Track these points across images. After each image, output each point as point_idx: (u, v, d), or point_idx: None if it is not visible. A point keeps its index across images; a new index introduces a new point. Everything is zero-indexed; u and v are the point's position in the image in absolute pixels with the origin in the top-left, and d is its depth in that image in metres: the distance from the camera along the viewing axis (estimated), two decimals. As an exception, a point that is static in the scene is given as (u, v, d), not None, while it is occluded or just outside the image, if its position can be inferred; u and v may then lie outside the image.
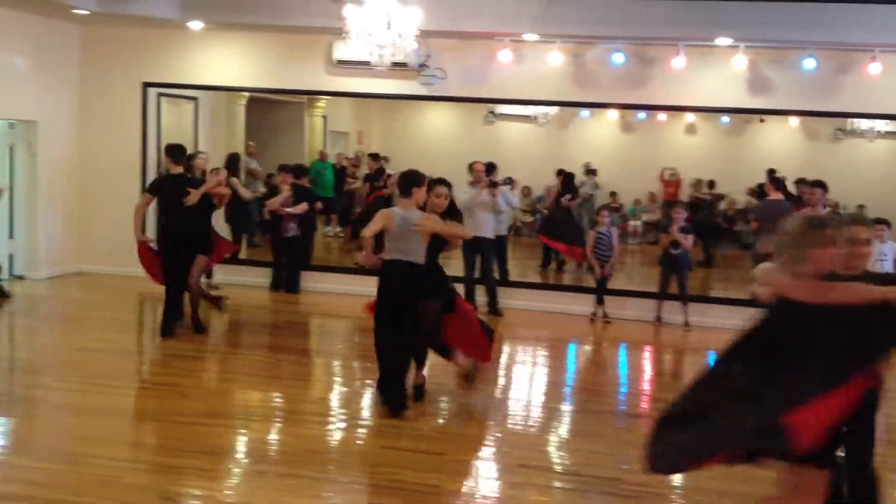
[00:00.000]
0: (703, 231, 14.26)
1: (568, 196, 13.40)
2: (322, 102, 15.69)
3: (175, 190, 9.10)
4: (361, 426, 6.89)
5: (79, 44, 12.58)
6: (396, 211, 7.00)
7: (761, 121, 15.43)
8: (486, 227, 11.10)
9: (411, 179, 7.04)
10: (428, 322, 7.05)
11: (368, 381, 8.37)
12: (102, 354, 8.65)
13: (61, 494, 5.24)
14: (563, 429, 7.18)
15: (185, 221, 9.12)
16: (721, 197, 15.74)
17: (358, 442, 6.51)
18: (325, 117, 16.29)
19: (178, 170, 9.22)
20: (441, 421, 7.14)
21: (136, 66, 12.48)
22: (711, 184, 15.56)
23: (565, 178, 13.68)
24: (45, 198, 11.99)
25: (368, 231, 6.92)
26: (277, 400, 7.43)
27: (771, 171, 11.94)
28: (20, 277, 11.81)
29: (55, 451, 6.09)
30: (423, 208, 7.09)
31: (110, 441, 6.24)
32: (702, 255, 14.36)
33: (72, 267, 12.57)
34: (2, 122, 11.52)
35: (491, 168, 11.56)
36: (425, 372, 7.52)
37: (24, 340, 9.42)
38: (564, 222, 12.99)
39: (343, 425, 6.86)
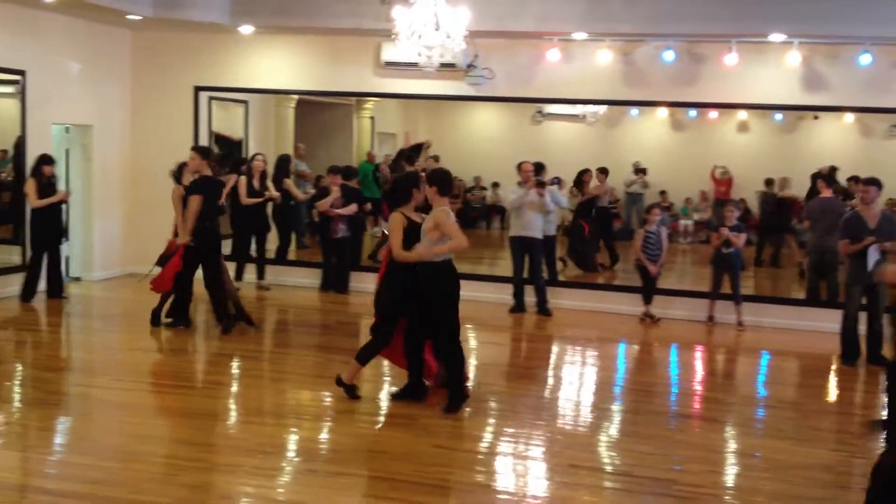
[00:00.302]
0: (770, 230, 14.05)
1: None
2: (370, 104, 15.78)
3: (214, 191, 9.33)
4: (411, 425, 6.90)
5: (132, 49, 12.80)
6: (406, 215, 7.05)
7: (815, 118, 15.20)
8: (534, 226, 11.07)
9: (409, 183, 7.18)
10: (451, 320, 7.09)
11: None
12: (156, 354, 8.80)
13: (119, 492, 5.33)
14: (613, 429, 7.12)
15: (214, 222, 9.35)
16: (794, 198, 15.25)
17: (407, 441, 6.52)
18: (372, 118, 16.39)
19: (209, 171, 9.35)
20: (491, 420, 7.13)
21: (187, 70, 12.67)
22: (770, 182, 15.23)
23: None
24: (99, 201, 12.22)
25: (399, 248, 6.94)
26: (328, 399, 7.47)
27: (816, 174, 11.77)
28: (76, 279, 12.04)
29: (112, 449, 6.20)
30: (423, 209, 7.09)
31: (165, 440, 6.34)
32: (769, 257, 14.11)
33: (125, 268, 12.79)
34: (58, 126, 11.75)
35: (540, 168, 11.53)
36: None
37: (81, 341, 9.60)
38: None
39: (392, 424, 6.89)
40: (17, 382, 7.77)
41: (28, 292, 10.60)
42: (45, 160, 10.58)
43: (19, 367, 8.26)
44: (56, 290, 10.81)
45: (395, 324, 7.18)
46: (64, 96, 11.62)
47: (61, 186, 11.10)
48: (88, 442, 6.37)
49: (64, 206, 11.10)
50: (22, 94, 10.94)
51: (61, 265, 11.05)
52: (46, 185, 10.57)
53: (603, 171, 13.58)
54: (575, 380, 8.88)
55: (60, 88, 11.53)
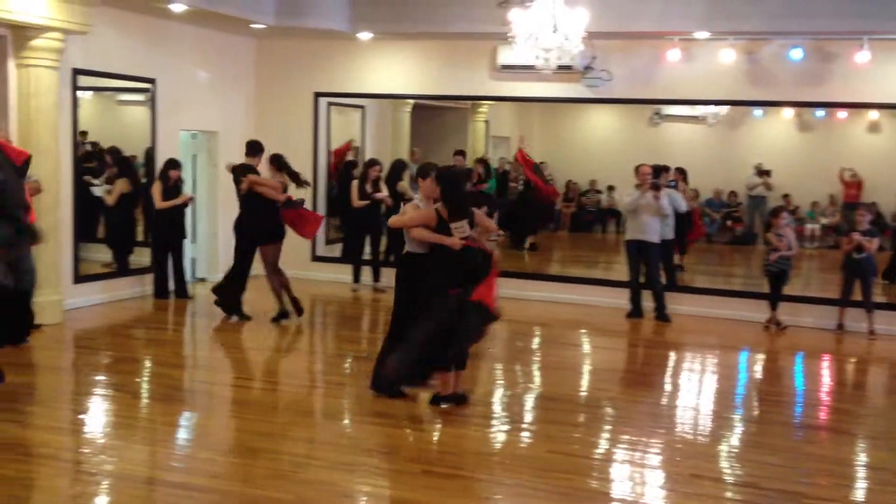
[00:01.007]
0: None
1: None
2: (484, 107, 15.79)
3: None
4: (525, 430, 6.85)
5: (255, 57, 13.18)
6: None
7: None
8: (650, 230, 10.85)
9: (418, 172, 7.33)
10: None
11: (531, 385, 8.36)
12: (276, 354, 9.00)
13: (241, 487, 5.46)
14: (735, 439, 6.89)
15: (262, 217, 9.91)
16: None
17: (522, 445, 6.47)
18: (487, 122, 16.38)
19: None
20: (607, 427, 7.01)
21: (307, 77, 12.95)
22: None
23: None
24: (223, 204, 12.58)
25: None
26: (442, 402, 7.47)
27: None
28: (202, 280, 12.44)
29: (235, 445, 6.38)
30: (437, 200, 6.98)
31: (286, 437, 6.46)
32: None
33: (248, 270, 13.15)
34: (186, 132, 12.19)
35: (661, 171, 11.29)
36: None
37: (205, 339, 9.91)
38: None
39: (507, 428, 6.84)
40: (145, 378, 8.08)
41: (160, 291, 11.11)
42: (172, 164, 11.02)
43: (147, 364, 8.58)
44: (181, 290, 11.23)
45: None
46: (191, 103, 12.05)
47: (187, 190, 11.51)
48: (211, 437, 6.56)
49: (188, 209, 11.50)
50: (152, 102, 11.40)
51: (185, 266, 11.46)
52: (172, 189, 10.99)
53: (680, 172, 13.17)
54: (694, 387, 8.64)
55: (188, 96, 11.96)
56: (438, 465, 5.98)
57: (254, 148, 10.22)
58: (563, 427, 6.82)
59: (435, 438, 6.66)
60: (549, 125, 16.98)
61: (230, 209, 12.71)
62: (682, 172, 13.08)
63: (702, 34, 10.80)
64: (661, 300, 11.02)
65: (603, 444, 6.58)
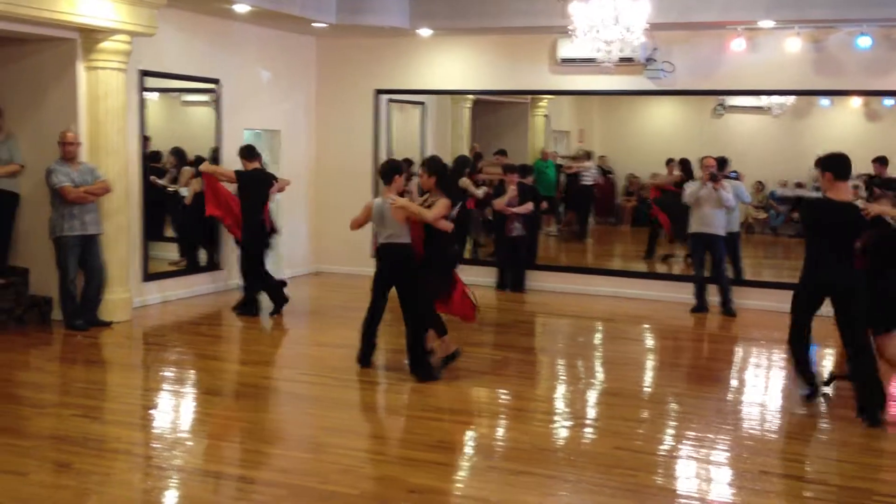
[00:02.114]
0: None
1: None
2: (544, 102, 15.73)
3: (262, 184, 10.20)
4: (589, 426, 6.81)
5: (316, 55, 13.31)
6: (376, 200, 8.02)
7: None
8: (714, 223, 10.68)
9: (392, 168, 8.02)
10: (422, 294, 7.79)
11: (594, 381, 8.32)
12: (340, 350, 9.07)
13: (308, 481, 5.53)
14: (805, 435, 6.77)
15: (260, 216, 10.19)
16: None
17: (586, 441, 6.44)
18: (546, 116, 16.31)
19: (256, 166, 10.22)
20: (672, 423, 6.93)
21: (367, 74, 13.04)
22: None
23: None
24: (286, 202, 12.74)
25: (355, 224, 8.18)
26: (504, 397, 7.49)
27: None
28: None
29: (301, 440, 6.47)
30: (402, 194, 7.93)
31: (351, 432, 6.53)
32: None
33: (311, 267, 13.32)
34: (249, 131, 12.36)
35: (723, 163, 11.13)
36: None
37: (271, 336, 10.03)
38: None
39: (570, 424, 6.83)
40: (213, 374, 8.21)
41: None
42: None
43: (214, 360, 8.73)
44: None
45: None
46: (255, 103, 12.21)
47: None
48: (278, 432, 6.66)
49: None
50: (217, 102, 11.58)
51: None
52: None
53: (683, 164, 12.95)
54: (761, 383, 8.51)
55: (251, 95, 12.13)
56: (503, 461, 5.98)
57: (250, 152, 10.32)
58: (627, 423, 6.77)
59: (498, 434, 6.67)
60: (609, 118, 16.85)
61: (294, 207, 12.94)
62: (683, 164, 13.05)
63: (766, 23, 10.61)
64: (727, 294, 10.86)
65: (668, 441, 6.52)
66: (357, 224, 8.16)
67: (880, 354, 7.00)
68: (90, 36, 9.31)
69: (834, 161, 6.96)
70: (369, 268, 9.79)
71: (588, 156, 16.21)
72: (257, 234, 10.20)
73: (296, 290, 12.17)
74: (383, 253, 7.90)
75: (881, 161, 11.72)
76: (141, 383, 7.91)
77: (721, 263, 10.87)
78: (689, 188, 10.88)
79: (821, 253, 6.89)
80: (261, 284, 10.38)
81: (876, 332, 6.93)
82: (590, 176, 15.91)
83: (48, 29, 9.02)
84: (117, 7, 9.15)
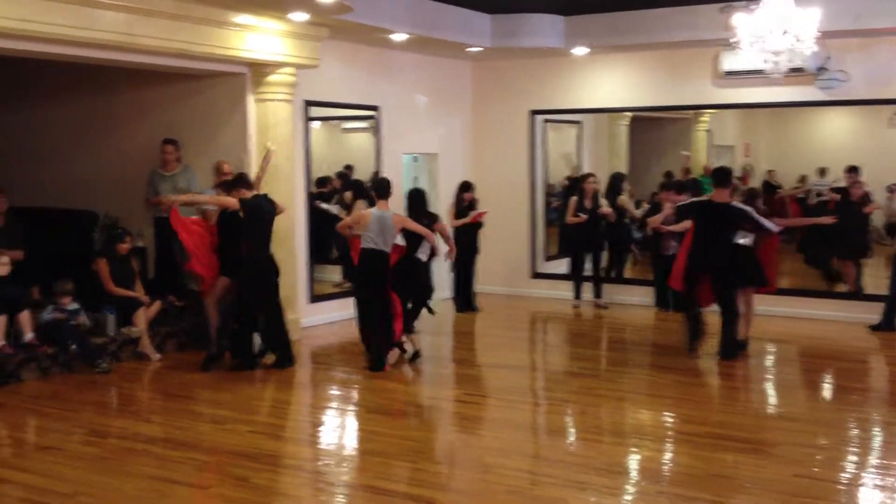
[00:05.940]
0: None
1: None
2: (706, 117, 15.27)
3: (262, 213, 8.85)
4: (763, 452, 6.48)
5: (472, 79, 13.45)
6: (374, 211, 8.72)
7: None
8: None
9: (388, 185, 8.95)
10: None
11: (768, 405, 7.96)
12: (504, 371, 9.07)
13: (474, 501, 5.52)
14: None
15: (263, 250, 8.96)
16: None
17: (761, 468, 6.14)
18: (708, 131, 15.83)
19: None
20: (855, 450, 6.53)
21: (523, 96, 13.07)
22: None
23: None
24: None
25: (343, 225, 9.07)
26: (670, 420, 7.27)
27: None
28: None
29: (467, 460, 6.47)
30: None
31: (517, 453, 6.48)
32: None
33: (476, 287, 13.36)
34: (408, 155, 12.61)
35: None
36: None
37: (436, 356, 10.05)
38: None
39: (741, 447, 6.52)
40: (378, 393, 8.31)
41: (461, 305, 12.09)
42: (465, 188, 11.79)
43: (381, 381, 8.83)
44: (469, 303, 11.91)
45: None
46: (412, 127, 12.45)
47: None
48: (442, 451, 6.70)
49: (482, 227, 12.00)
50: (376, 128, 11.88)
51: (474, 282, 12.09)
52: (466, 209, 11.68)
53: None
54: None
55: (409, 120, 12.37)
56: (673, 486, 5.79)
57: (243, 180, 8.90)
58: (806, 449, 6.44)
59: (666, 458, 6.47)
60: (777, 131, 16.15)
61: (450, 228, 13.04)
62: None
63: (947, 26, 9.96)
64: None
65: (850, 468, 6.15)
66: (346, 226, 9.01)
67: None
68: (259, 70, 9.75)
69: None
70: (529, 289, 9.86)
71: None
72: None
73: (452, 310, 12.26)
74: (376, 260, 8.68)
75: None
76: (310, 400, 8.14)
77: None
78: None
79: None
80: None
81: None
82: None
83: (221, 65, 9.51)
84: (284, 41, 9.55)
